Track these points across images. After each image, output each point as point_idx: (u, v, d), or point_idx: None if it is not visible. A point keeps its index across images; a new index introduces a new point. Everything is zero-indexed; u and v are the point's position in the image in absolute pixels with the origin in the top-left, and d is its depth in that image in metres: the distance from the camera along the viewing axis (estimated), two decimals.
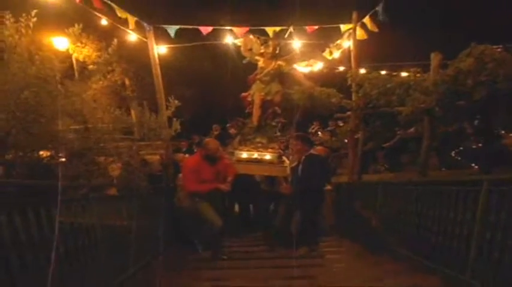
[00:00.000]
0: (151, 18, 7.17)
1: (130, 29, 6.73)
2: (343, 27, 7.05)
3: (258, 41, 6.68)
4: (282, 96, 6.74)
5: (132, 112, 6.37)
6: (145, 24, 6.88)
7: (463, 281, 3.40)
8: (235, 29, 7.11)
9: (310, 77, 8.23)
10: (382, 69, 6.79)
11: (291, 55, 6.79)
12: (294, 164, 5.64)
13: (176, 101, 5.67)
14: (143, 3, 8.06)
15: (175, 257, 5.37)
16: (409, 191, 4.63)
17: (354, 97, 6.47)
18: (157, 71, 6.99)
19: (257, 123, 6.71)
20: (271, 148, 6.69)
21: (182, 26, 6.96)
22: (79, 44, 5.39)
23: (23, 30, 3.70)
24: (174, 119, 5.74)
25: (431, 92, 4.52)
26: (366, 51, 7.07)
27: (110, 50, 4.77)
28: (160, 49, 7.09)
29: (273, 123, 6.91)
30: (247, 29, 7.04)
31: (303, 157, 5.41)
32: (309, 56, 6.94)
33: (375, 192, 5.66)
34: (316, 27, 7.20)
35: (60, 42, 7.27)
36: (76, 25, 4.47)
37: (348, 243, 5.92)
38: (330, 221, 6.67)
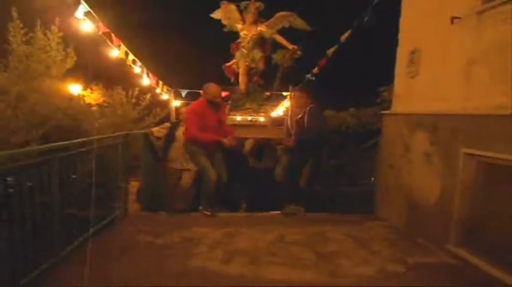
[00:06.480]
0: None
1: None
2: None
3: (237, 8, 6.67)
4: (264, 64, 6.82)
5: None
6: None
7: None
8: None
9: None
10: None
11: (271, 20, 6.65)
12: (298, 117, 5.42)
13: None
14: None
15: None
16: None
17: None
18: None
19: (245, 90, 6.73)
20: (263, 112, 6.70)
21: None
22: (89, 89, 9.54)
23: None
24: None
25: None
26: None
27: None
28: None
29: (260, 90, 6.95)
30: None
31: (308, 108, 5.34)
32: (288, 21, 6.67)
33: None
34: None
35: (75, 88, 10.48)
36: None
37: None
38: None
